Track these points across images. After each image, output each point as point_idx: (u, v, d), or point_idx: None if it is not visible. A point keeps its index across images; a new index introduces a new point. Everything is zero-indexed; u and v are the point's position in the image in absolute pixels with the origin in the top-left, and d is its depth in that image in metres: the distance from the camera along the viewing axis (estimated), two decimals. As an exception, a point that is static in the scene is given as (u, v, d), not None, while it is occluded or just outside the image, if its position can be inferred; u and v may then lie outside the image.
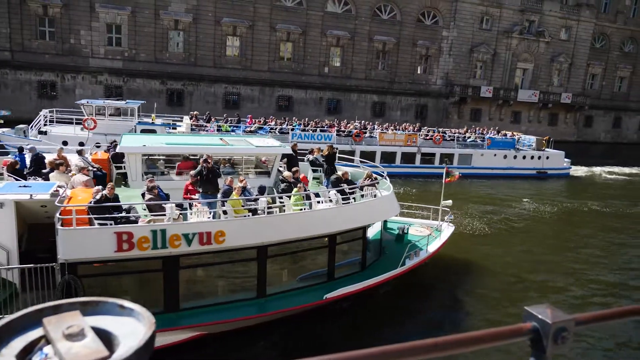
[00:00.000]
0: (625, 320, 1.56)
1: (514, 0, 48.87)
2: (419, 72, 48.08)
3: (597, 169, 44.31)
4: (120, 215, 9.99)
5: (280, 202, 11.74)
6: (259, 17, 41.12)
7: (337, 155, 15.90)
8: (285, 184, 12.39)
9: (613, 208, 27.88)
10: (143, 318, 0.89)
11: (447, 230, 16.30)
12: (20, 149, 13.61)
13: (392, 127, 34.99)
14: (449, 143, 34.36)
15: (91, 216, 9.51)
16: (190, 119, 29.98)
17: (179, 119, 31.88)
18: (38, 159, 12.71)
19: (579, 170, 42.58)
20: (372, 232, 14.61)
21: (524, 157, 36.48)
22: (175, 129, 28.99)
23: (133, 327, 0.87)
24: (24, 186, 10.20)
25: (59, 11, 35.96)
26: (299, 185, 12.56)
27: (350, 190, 13.26)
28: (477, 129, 39.19)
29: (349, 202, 12.67)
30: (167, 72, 39.27)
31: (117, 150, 12.72)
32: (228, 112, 36.73)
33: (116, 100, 29.70)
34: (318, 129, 31.48)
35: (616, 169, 46.04)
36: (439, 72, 48.41)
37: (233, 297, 11.09)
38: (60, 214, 9.11)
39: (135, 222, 9.90)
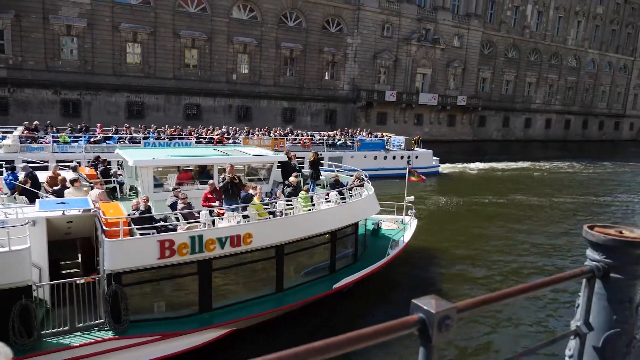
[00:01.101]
0: (505, 303, 1.71)
1: (411, 9, 51.81)
2: (326, 78, 49.20)
3: (493, 165, 48.18)
4: (163, 224, 10.51)
5: (289, 205, 12.81)
6: (161, 23, 39.64)
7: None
8: (291, 188, 13.66)
9: (492, 199, 30.54)
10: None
11: (413, 223, 17.93)
12: (12, 168, 13.31)
13: (259, 132, 33.44)
14: (319, 146, 33.54)
15: (133, 227, 9.93)
16: (25, 130, 25.93)
17: (12, 129, 27.54)
18: (32, 177, 12.70)
19: (478, 167, 46.00)
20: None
21: (394, 158, 37.17)
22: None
23: None
24: (61, 202, 10.42)
25: None
26: (305, 187, 14.14)
27: (342, 190, 14.59)
28: (349, 131, 39.67)
29: (345, 202, 13.95)
30: (61, 81, 36.42)
31: (130, 164, 12.95)
32: (132, 122, 34.89)
33: None
34: (176, 137, 28.11)
35: (513, 164, 50.31)
36: (345, 78, 49.91)
37: (256, 294, 11.97)
38: (105, 227, 9.46)
39: (174, 229, 10.42)
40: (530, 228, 24.17)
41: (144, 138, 27.00)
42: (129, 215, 10.37)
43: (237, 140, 30.26)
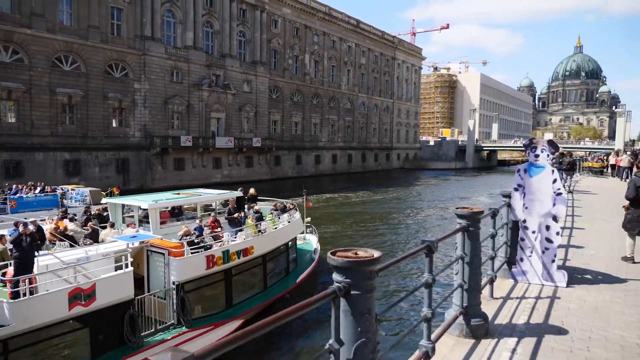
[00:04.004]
0: (254, 338, 1.81)
1: (199, 56, 52.61)
2: (114, 125, 45.99)
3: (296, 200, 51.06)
4: (206, 244, 13.61)
5: (268, 225, 17.23)
6: None
7: None
8: (258, 214, 17.87)
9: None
10: None
11: (314, 237, 22.91)
12: (17, 224, 13.58)
13: None
14: None
15: (187, 248, 12.73)
16: None
17: None
18: (39, 230, 13.34)
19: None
20: None
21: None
22: None
23: None
24: (134, 236, 13.11)
25: None
26: (271, 211, 18.94)
27: (290, 213, 19.62)
28: (13, 187, 26.53)
29: (291, 222, 18.70)
30: None
31: (145, 207, 15.04)
32: None
33: None
34: None
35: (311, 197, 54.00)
36: (136, 125, 47.45)
37: (253, 292, 15.54)
38: (171, 249, 12.46)
39: (211, 247, 13.59)
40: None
41: None
42: (181, 240, 13.25)
43: None
